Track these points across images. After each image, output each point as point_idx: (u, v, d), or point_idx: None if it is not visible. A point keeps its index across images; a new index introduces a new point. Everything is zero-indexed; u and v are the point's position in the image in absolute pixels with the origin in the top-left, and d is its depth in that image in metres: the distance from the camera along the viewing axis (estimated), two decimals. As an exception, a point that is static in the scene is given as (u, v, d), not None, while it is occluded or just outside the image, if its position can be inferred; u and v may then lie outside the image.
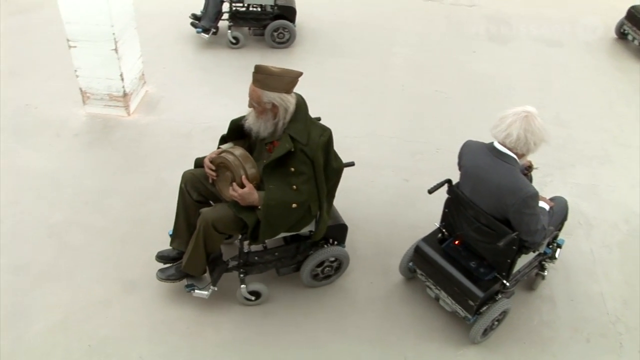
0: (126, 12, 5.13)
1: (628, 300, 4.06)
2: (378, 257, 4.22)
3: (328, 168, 3.43)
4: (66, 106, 5.54)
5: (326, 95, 5.81)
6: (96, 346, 3.60)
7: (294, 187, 3.29)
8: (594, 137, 5.56)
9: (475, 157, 3.35)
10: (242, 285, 3.70)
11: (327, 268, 3.87)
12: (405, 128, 5.43)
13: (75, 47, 5.05)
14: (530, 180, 3.61)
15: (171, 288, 3.80)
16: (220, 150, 3.46)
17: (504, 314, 3.68)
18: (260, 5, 6.33)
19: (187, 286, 3.67)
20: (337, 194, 4.57)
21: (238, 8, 6.38)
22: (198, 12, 6.56)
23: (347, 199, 4.59)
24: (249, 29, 6.60)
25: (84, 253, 4.12)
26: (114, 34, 4.90)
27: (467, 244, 3.63)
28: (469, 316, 3.56)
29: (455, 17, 7.50)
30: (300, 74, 3.29)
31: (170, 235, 3.77)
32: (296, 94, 3.38)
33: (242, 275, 3.70)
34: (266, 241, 3.73)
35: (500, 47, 6.93)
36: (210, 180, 3.51)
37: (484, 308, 3.54)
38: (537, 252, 3.69)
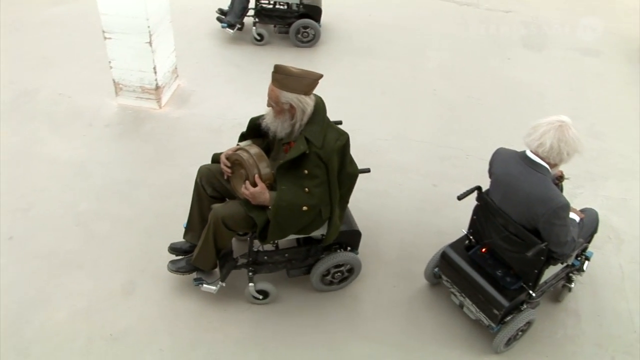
0: (161, 5, 5.16)
1: (657, 319, 3.98)
2: (402, 261, 4.18)
3: (342, 173, 3.39)
4: (99, 97, 5.60)
5: (357, 96, 5.80)
6: (117, 336, 3.62)
7: (306, 189, 3.27)
8: (628, 150, 5.45)
9: (507, 165, 3.30)
10: (250, 284, 3.70)
11: (338, 273, 3.84)
12: (435, 132, 5.39)
13: (110, 38, 5.09)
14: (561, 190, 3.55)
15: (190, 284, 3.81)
16: (237, 147, 3.45)
17: (529, 324, 3.62)
18: (287, 3, 6.34)
19: (195, 280, 3.69)
20: (363, 196, 4.58)
21: (264, 5, 6.41)
22: (225, 7, 6.58)
23: (374, 202, 4.59)
24: (274, 26, 6.61)
25: (109, 243, 4.16)
26: (149, 27, 4.93)
27: (494, 252, 3.58)
28: (493, 325, 3.51)
29: (491, 22, 7.41)
30: (321, 76, 3.26)
31: (185, 228, 3.80)
32: (316, 96, 3.35)
33: (250, 274, 3.70)
34: (278, 242, 3.73)
35: (535, 55, 6.84)
36: (226, 177, 3.52)
37: (509, 317, 3.49)
38: (565, 264, 3.63)
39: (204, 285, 3.66)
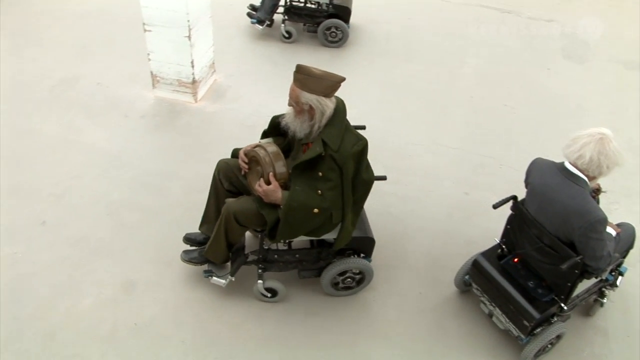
0: (202, 0, 5.19)
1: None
2: (430, 268, 4.14)
3: (357, 178, 3.34)
4: (136, 88, 5.67)
5: (392, 99, 5.77)
6: (142, 325, 3.65)
7: (319, 192, 3.25)
8: (668, 167, 5.33)
9: (544, 175, 3.25)
10: (259, 281, 3.70)
11: (349, 279, 3.81)
12: (469, 140, 5.33)
13: (150, 31, 5.14)
14: (597, 203, 3.48)
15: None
16: (256, 144, 3.46)
17: (559, 338, 3.56)
18: (317, 2, 6.35)
19: (205, 271, 3.72)
20: (393, 201, 4.56)
21: (294, 3, 6.43)
22: (257, 3, 6.61)
23: (403, 207, 4.55)
24: (304, 24, 6.61)
25: (139, 233, 4.19)
26: (188, 21, 4.97)
27: (526, 263, 3.52)
28: (523, 336, 3.45)
29: (532, 31, 7.31)
30: (343, 79, 3.23)
31: (201, 220, 3.84)
32: (337, 98, 3.33)
33: (260, 271, 3.70)
34: (291, 242, 3.73)
35: (575, 66, 6.72)
36: (243, 173, 3.53)
37: (539, 330, 3.43)
38: (598, 278, 3.56)
39: (213, 278, 3.69)
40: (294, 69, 3.23)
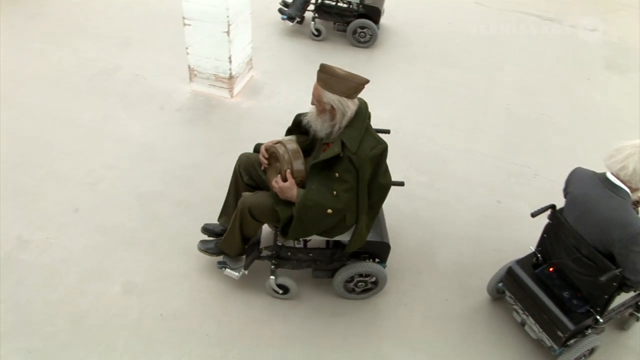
0: (242, -4, 5.23)
1: None
2: (458, 275, 4.09)
3: (374, 182, 3.31)
4: (173, 81, 5.71)
5: (428, 103, 5.72)
6: (167, 316, 3.67)
7: (335, 192, 3.23)
8: None
9: (585, 185, 3.19)
10: (271, 277, 3.70)
11: (361, 283, 3.77)
12: (504, 148, 5.25)
13: (189, 25, 5.18)
14: (639, 215, 3.41)
15: (250, 274, 3.81)
16: (277, 140, 3.46)
17: (592, 351, 3.49)
18: (349, 2, 6.34)
19: (219, 263, 3.74)
20: (424, 205, 4.52)
21: (325, 1, 6.44)
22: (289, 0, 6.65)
23: (434, 212, 4.51)
24: (334, 23, 6.60)
25: (169, 225, 4.22)
26: (228, 16, 4.99)
27: (561, 273, 3.46)
28: (556, 347, 3.40)
29: (574, 40, 7.19)
30: (367, 81, 3.20)
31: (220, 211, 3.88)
32: (360, 100, 3.31)
33: (272, 267, 3.69)
34: (307, 241, 3.71)
35: (616, 77, 6.59)
36: (262, 168, 3.55)
37: (572, 341, 3.37)
38: (637, 292, 3.48)
39: (227, 269, 3.71)
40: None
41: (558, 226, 3.38)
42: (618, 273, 3.03)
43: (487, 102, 5.86)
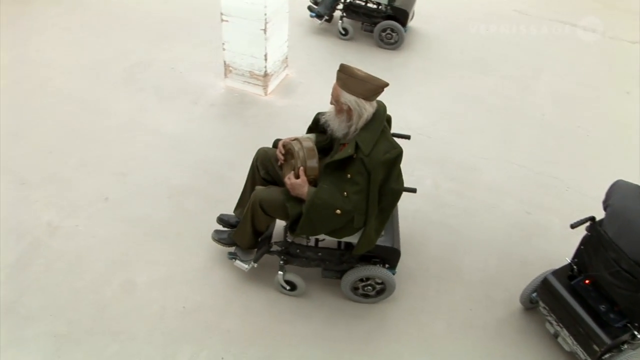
0: (280, -5, 5.23)
1: None
2: (482, 285, 4.04)
3: (386, 187, 3.28)
4: (208, 76, 5.75)
5: (461, 110, 5.66)
6: (190, 309, 3.70)
7: (345, 193, 3.22)
8: None
9: (626, 199, 3.13)
10: (280, 272, 3.71)
11: (369, 287, 3.74)
12: (537, 159, 5.18)
13: (227, 21, 5.20)
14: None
15: (274, 272, 3.85)
16: (295, 137, 3.47)
17: None
18: (377, 3, 6.33)
19: (230, 254, 3.78)
20: (452, 212, 4.48)
21: (356, 1, 6.43)
22: None
23: (462, 220, 4.47)
24: (362, 23, 6.60)
25: (196, 219, 4.24)
26: (265, 14, 5.00)
27: (598, 286, 3.40)
28: None
29: (614, 52, 7.05)
30: (386, 84, 3.17)
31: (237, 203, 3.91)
32: (379, 102, 3.29)
33: (281, 262, 3.71)
34: (322, 240, 3.70)
35: (657, 92, 6.46)
36: (279, 163, 3.56)
37: (607, 355, 3.32)
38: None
39: (237, 261, 3.74)
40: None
41: (597, 238, 3.32)
42: None
43: (521, 111, 5.78)
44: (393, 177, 3.28)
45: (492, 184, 4.82)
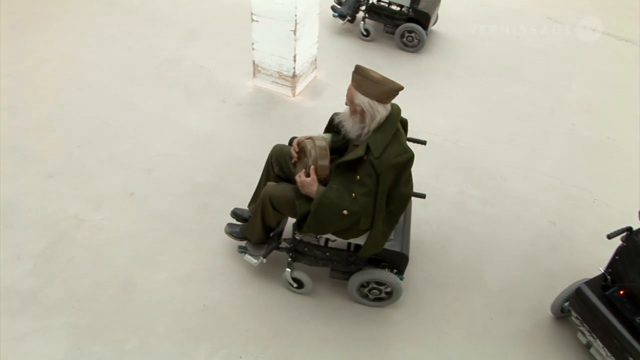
0: (312, -4, 5.24)
1: None
2: (504, 294, 4.00)
3: (394, 190, 3.26)
4: (236, 75, 5.78)
5: (490, 117, 5.61)
6: (210, 307, 3.72)
7: (353, 194, 3.21)
8: None
9: None
10: (287, 269, 3.73)
11: (375, 290, 3.73)
12: (564, 169, 5.11)
13: (257, 21, 5.22)
14: None
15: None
16: (309, 136, 3.47)
17: None
18: (400, 5, 6.32)
19: (240, 247, 3.83)
20: (477, 220, 4.45)
21: (381, 2, 6.45)
22: None
23: (487, 228, 4.43)
24: (384, 25, 6.60)
25: (220, 218, 4.25)
26: (295, 15, 5.01)
27: (633, 297, 3.34)
28: None
29: (648, 63, 6.96)
30: (401, 88, 3.16)
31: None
32: (394, 105, 3.28)
33: (290, 259, 3.72)
34: (333, 240, 3.68)
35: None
36: (292, 161, 3.57)
37: (642, 367, 3.27)
38: None
39: (246, 255, 3.77)
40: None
41: (634, 249, 3.28)
42: None
43: (551, 121, 5.71)
44: (402, 181, 3.27)
45: (518, 192, 4.77)
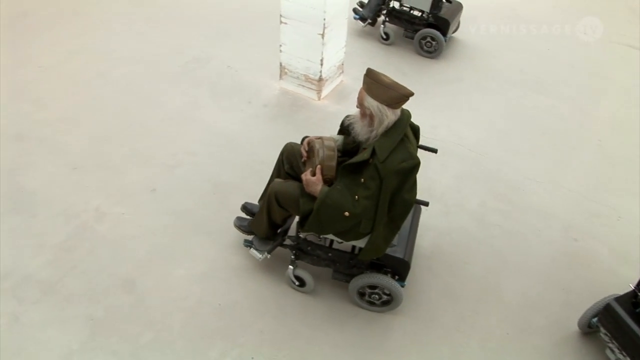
0: (341, 1, 5.22)
1: None
2: (522, 310, 3.95)
3: (397, 196, 3.24)
4: (263, 77, 5.80)
5: (515, 130, 5.55)
6: (225, 307, 3.73)
7: (356, 197, 3.22)
8: None
9: None
10: (290, 267, 3.76)
11: (375, 295, 3.71)
12: (589, 185, 5.04)
13: (286, 23, 5.24)
14: None
15: (317, 278, 3.87)
16: (319, 136, 3.48)
17: None
18: (421, 10, 6.32)
19: (246, 241, 3.87)
20: (497, 233, 4.41)
21: (403, 7, 6.45)
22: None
23: (507, 241, 4.39)
24: (404, 29, 6.60)
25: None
26: (324, 19, 5.01)
27: None
28: None
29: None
30: (411, 93, 3.14)
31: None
32: (404, 111, 3.26)
33: (293, 257, 3.74)
34: (340, 242, 3.66)
35: None
36: (302, 160, 3.58)
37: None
38: None
39: (252, 249, 3.82)
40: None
41: None
42: None
43: (578, 136, 5.64)
44: (406, 187, 3.25)
45: (540, 207, 4.72)
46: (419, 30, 6.41)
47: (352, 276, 3.71)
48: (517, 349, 3.73)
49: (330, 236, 3.51)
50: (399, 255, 3.57)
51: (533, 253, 4.35)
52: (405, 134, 3.21)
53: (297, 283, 3.84)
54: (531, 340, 3.78)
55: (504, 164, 5.10)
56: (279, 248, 3.85)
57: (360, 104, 3.22)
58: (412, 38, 6.53)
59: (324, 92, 5.63)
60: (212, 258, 4.01)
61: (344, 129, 3.59)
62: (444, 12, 6.34)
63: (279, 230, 3.78)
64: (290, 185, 3.51)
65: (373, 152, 3.15)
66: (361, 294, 3.75)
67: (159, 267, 3.92)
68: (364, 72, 3.19)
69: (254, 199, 4.37)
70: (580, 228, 4.59)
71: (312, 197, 3.34)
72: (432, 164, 4.85)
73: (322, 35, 5.12)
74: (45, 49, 5.91)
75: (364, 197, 3.20)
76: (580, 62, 6.83)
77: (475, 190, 4.77)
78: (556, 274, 4.21)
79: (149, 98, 5.37)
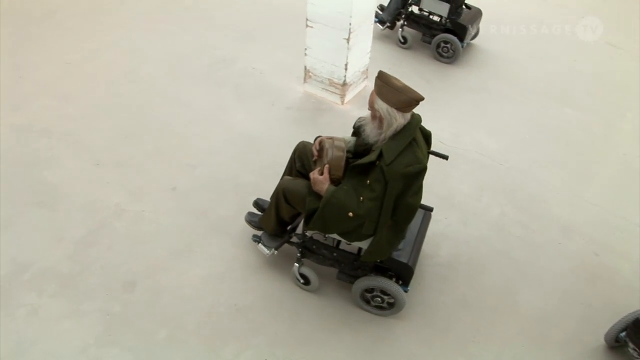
0: (367, 6, 5.22)
1: None
2: (539, 323, 3.91)
3: (401, 200, 3.22)
4: (287, 79, 5.81)
5: (540, 141, 5.49)
6: (240, 308, 3.74)
7: (361, 198, 3.23)
8: None
9: None
10: (296, 264, 3.79)
11: (377, 298, 3.70)
12: (612, 200, 4.97)
13: (311, 27, 5.24)
14: None
15: (333, 283, 3.89)
16: (331, 137, 3.49)
17: None
18: (440, 15, 6.30)
19: (254, 236, 3.92)
20: (517, 244, 4.37)
21: (414, 10, 6.48)
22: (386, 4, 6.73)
23: (526, 252, 4.35)
24: (423, 34, 6.60)
25: (259, 219, 4.29)
26: (350, 24, 5.01)
27: None
28: None
29: None
30: (421, 98, 3.14)
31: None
32: (414, 115, 3.26)
33: (299, 254, 3.76)
34: (348, 243, 3.65)
35: None
36: (313, 159, 3.59)
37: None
38: None
39: (260, 245, 3.86)
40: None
41: None
42: None
43: (602, 149, 5.57)
44: (411, 191, 3.24)
45: (561, 220, 4.67)
46: (436, 35, 6.40)
47: (357, 277, 3.71)
48: (533, 361, 3.69)
49: (337, 236, 3.52)
50: (404, 259, 3.57)
51: (552, 266, 4.30)
52: (414, 139, 3.22)
53: (301, 281, 3.86)
54: (548, 354, 3.74)
55: (526, 174, 5.06)
56: (290, 247, 3.87)
57: (371, 106, 3.24)
58: (430, 43, 6.52)
59: (348, 97, 5.63)
60: (230, 258, 4.02)
61: (357, 131, 3.59)
62: (462, 18, 6.32)
63: (288, 228, 3.81)
64: (299, 183, 3.56)
65: (380, 155, 3.16)
66: (364, 297, 3.76)
67: (177, 265, 3.94)
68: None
69: (274, 201, 4.40)
70: (602, 243, 4.53)
71: (318, 196, 3.37)
72: (453, 172, 4.83)
73: (348, 40, 5.12)
74: (73, 46, 5.98)
75: (369, 199, 3.21)
76: (607, 75, 6.75)
77: (496, 200, 4.74)
78: (575, 288, 4.16)
79: (173, 97, 5.41)
